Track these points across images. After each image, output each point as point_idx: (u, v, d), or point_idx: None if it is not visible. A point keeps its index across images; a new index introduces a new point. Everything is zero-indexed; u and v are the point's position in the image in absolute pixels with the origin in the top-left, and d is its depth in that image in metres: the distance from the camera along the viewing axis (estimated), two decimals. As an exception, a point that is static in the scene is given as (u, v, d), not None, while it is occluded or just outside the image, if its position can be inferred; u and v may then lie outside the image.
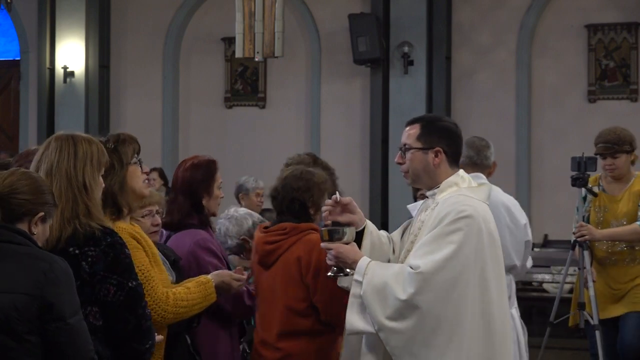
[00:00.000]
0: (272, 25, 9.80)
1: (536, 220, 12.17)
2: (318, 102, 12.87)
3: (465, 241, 3.31)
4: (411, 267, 3.32)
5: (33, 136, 13.64)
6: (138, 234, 3.57)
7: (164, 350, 3.75)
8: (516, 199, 12.45)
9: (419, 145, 3.54)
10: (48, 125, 13.44)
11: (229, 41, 12.86)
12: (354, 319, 3.40)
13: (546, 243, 11.99)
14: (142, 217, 4.18)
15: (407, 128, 3.59)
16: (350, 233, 3.52)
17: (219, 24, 13.00)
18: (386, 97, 12.12)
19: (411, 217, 3.73)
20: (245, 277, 4.07)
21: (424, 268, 3.29)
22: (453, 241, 3.31)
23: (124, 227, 3.51)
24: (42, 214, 3.01)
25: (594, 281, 6.55)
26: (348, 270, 3.47)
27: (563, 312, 7.44)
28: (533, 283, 10.94)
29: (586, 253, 6.59)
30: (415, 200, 4.86)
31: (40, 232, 3.02)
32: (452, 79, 12.40)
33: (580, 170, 6.86)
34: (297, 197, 4.32)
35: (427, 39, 12.02)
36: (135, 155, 3.64)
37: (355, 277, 3.41)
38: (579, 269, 6.65)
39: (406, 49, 11.86)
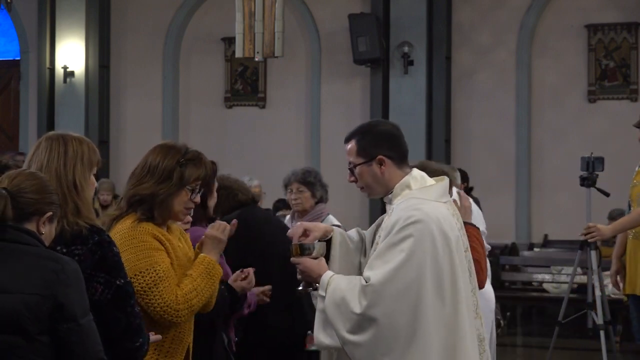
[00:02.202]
0: (272, 25, 9.80)
1: (536, 220, 12.19)
2: (318, 102, 12.87)
3: (415, 248, 3.29)
4: (365, 280, 3.32)
5: (33, 136, 13.63)
6: (162, 236, 3.55)
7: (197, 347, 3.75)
8: (516, 199, 12.66)
9: (360, 160, 3.49)
10: (48, 125, 13.43)
11: (229, 41, 12.86)
12: (320, 335, 3.42)
13: (546, 243, 12.00)
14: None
15: (346, 145, 3.56)
16: (319, 248, 3.51)
17: (219, 24, 13.01)
18: (386, 97, 12.13)
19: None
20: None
21: (374, 280, 3.29)
22: (403, 249, 3.29)
23: (147, 228, 3.51)
24: (50, 213, 3.01)
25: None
26: (316, 284, 3.48)
27: (570, 313, 7.47)
28: (533, 283, 10.94)
29: (593, 253, 6.58)
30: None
31: (48, 232, 3.03)
32: (452, 79, 12.41)
33: (589, 170, 6.85)
34: None
35: (427, 39, 12.03)
36: (196, 182, 3.62)
37: (320, 292, 3.42)
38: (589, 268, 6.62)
39: (406, 49, 11.86)
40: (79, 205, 3.17)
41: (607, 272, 6.98)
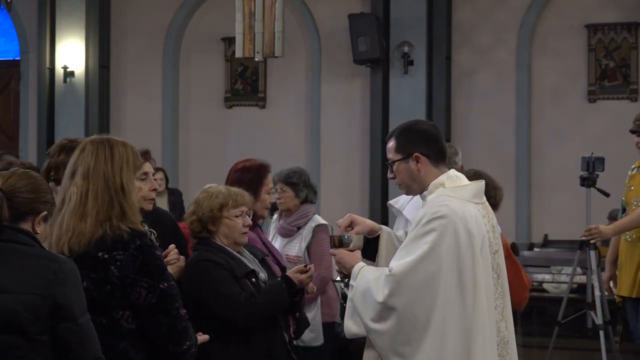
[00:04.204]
0: (272, 25, 9.79)
1: (536, 220, 12.18)
2: (318, 102, 12.87)
3: (438, 241, 3.36)
4: (389, 269, 3.42)
5: (33, 136, 13.64)
6: None
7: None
8: (516, 199, 12.64)
9: (398, 156, 3.59)
10: (48, 125, 13.44)
11: (229, 41, 12.86)
12: (349, 323, 3.54)
13: (546, 243, 11.99)
14: (235, 216, 4.19)
15: (387, 143, 3.66)
16: (356, 241, 3.65)
17: (219, 24, 13.00)
18: (386, 97, 12.12)
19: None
20: None
21: (395, 270, 3.38)
22: (427, 242, 3.37)
23: None
24: (45, 212, 3.02)
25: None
26: None
27: (569, 313, 7.47)
28: (533, 283, 10.93)
29: (592, 253, 6.59)
30: None
31: (43, 231, 3.04)
32: (452, 79, 12.40)
33: (589, 170, 6.85)
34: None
35: (427, 39, 12.02)
36: (55, 171, 3.61)
37: (351, 282, 3.54)
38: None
39: (406, 49, 11.86)
40: (125, 208, 3.19)
41: (606, 273, 6.98)
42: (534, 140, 12.20)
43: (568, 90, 12.09)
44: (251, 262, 4.27)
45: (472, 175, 4.89)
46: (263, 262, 4.38)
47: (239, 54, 10.09)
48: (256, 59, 10.13)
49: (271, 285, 4.19)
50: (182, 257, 3.95)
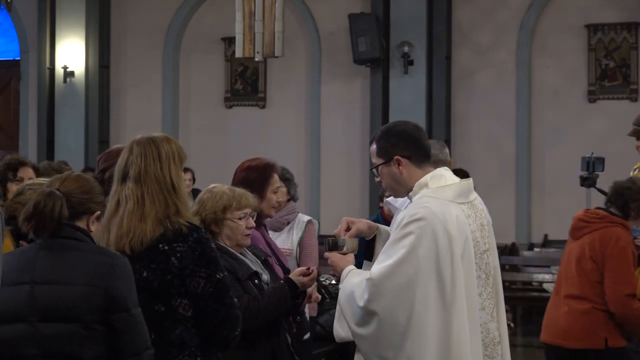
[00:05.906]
0: (272, 25, 9.80)
1: (536, 220, 12.18)
2: (318, 102, 12.87)
3: (416, 244, 3.31)
4: (370, 274, 3.39)
5: (33, 136, 13.65)
6: None
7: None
8: (516, 199, 12.63)
9: (380, 160, 3.55)
10: (48, 125, 13.45)
11: (229, 41, 12.86)
12: (337, 327, 3.54)
13: (546, 243, 11.99)
14: (239, 219, 4.18)
15: (370, 148, 3.64)
16: (350, 243, 3.62)
17: (219, 24, 13.01)
18: (386, 97, 12.13)
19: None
20: None
21: (374, 275, 3.35)
22: (404, 245, 3.32)
23: None
24: (98, 212, 3.23)
25: None
26: None
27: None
28: (533, 283, 10.94)
29: None
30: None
31: (96, 230, 3.23)
32: (452, 79, 12.41)
33: (589, 170, 6.85)
34: (625, 195, 5.31)
35: (427, 39, 12.03)
36: None
37: (339, 285, 3.53)
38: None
39: (406, 48, 11.86)
40: (179, 205, 3.37)
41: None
42: (534, 140, 12.20)
43: (568, 90, 12.10)
44: (254, 264, 4.26)
45: (616, 186, 5.37)
46: (265, 263, 4.38)
47: (239, 54, 10.09)
48: (256, 59, 10.13)
49: (274, 288, 4.18)
50: None
